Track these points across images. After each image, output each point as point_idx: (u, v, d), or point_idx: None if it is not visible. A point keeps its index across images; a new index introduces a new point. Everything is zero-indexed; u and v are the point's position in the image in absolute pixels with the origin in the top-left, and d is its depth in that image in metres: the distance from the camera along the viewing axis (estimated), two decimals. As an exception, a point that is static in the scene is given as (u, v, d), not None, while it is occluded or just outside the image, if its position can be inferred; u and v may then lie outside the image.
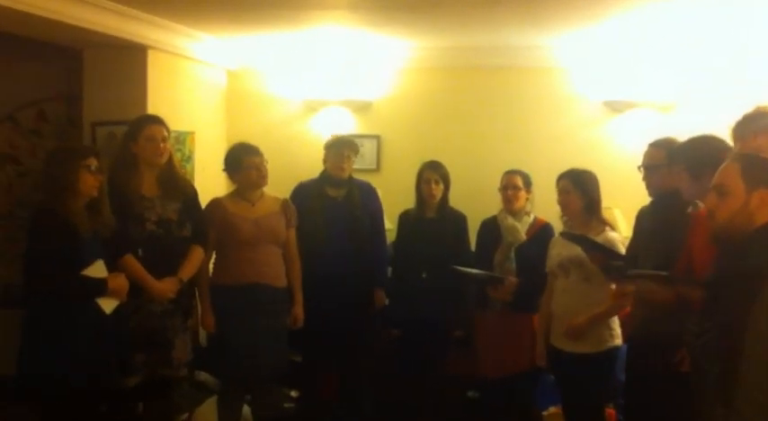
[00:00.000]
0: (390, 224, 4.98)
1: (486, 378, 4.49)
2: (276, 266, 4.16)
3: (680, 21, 4.33)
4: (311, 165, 4.71)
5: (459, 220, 4.59)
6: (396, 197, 5.03)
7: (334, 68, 5.56)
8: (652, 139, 3.55)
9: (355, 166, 4.66)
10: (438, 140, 5.45)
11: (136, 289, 3.59)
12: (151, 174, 3.82)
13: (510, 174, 4.42)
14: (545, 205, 4.38)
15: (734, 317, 2.28)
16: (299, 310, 4.24)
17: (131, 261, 3.62)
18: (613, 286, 3.74)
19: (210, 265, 4.17)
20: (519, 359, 4.25)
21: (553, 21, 4.53)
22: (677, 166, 3.05)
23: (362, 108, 5.65)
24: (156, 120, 3.86)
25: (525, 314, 4.24)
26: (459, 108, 5.55)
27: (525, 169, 4.48)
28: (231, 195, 4.23)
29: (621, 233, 4.24)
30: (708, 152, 2.87)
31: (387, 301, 4.66)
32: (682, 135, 3.29)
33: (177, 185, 3.88)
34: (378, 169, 5.62)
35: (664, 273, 3.03)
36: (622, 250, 3.71)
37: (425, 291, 4.43)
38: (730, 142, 3.03)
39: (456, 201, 4.62)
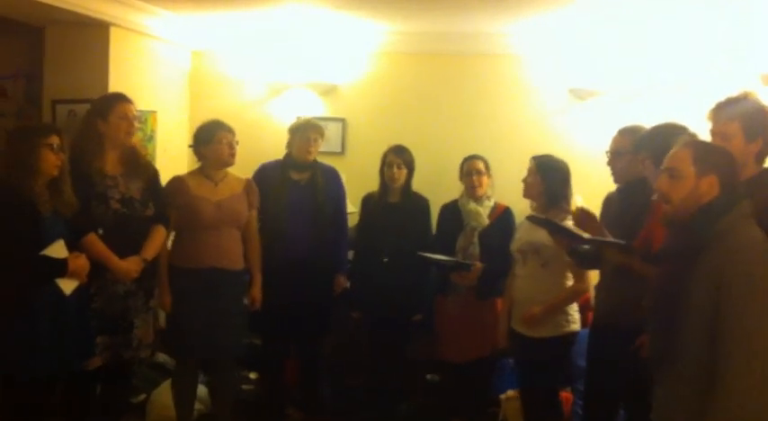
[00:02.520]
0: (354, 207, 4.98)
1: (446, 362, 4.54)
2: (236, 250, 4.10)
3: (647, 6, 4.35)
4: (275, 148, 4.68)
5: (421, 205, 4.59)
6: (360, 181, 5.01)
7: (299, 50, 5.51)
8: (619, 127, 3.56)
9: (320, 149, 4.63)
10: (403, 125, 5.44)
11: (98, 269, 3.54)
12: (114, 152, 3.76)
13: (471, 159, 4.47)
14: (507, 191, 4.43)
15: (677, 290, 2.37)
16: (256, 292, 4.21)
17: (94, 240, 3.55)
18: (570, 276, 3.80)
19: (168, 245, 4.09)
20: (481, 345, 4.30)
21: (520, 7, 4.52)
22: (642, 155, 3.12)
23: (328, 91, 5.61)
24: (127, 99, 3.81)
25: (489, 299, 4.29)
26: (424, 93, 5.53)
27: (489, 155, 4.53)
28: (194, 173, 4.14)
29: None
30: (672, 141, 2.87)
31: (348, 285, 4.67)
32: (646, 123, 3.34)
33: (140, 164, 3.84)
34: (342, 152, 5.59)
35: (623, 242, 3.14)
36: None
37: (387, 275, 4.43)
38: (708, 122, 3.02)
39: (420, 185, 4.64)
